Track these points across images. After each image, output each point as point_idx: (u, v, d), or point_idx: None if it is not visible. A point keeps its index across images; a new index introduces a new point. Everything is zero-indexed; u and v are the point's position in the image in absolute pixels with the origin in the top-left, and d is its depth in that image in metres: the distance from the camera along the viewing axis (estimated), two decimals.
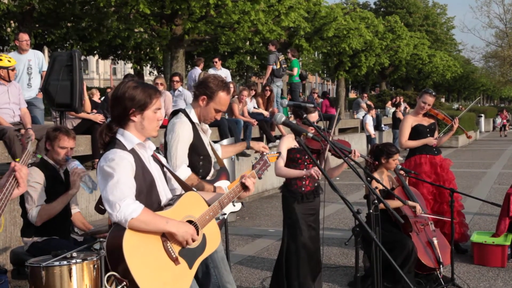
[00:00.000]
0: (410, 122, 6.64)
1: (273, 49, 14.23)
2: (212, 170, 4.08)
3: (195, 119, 3.92)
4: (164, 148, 3.96)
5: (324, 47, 24.92)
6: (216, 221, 3.75)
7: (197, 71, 12.66)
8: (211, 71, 12.45)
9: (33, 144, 7.02)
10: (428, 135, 6.63)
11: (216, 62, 13.30)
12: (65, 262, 3.72)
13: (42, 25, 18.47)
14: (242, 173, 3.39)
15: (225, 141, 9.24)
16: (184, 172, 3.75)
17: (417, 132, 6.61)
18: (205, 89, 3.88)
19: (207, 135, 4.13)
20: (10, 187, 2.37)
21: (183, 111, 3.94)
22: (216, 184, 3.93)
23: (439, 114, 6.84)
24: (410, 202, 5.59)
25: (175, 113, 4.00)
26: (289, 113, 14.72)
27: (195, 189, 3.30)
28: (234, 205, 3.92)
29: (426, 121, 6.67)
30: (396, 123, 19.13)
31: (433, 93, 6.64)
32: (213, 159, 4.10)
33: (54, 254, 3.80)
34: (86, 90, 8.26)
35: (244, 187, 3.29)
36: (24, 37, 8.19)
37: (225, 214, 3.96)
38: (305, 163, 4.99)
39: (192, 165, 3.86)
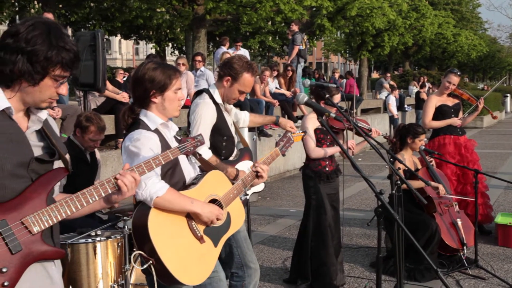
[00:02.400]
0: (434, 102, 6.56)
1: (296, 29, 14.06)
2: (235, 150, 4.08)
3: (219, 99, 3.91)
4: (188, 128, 3.97)
5: (346, 26, 24.61)
6: None
7: (223, 50, 12.47)
8: (231, 52, 12.40)
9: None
10: (453, 116, 6.55)
11: (237, 45, 13.24)
12: (90, 240, 3.79)
13: (65, 5, 18.57)
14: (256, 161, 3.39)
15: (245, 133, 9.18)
16: (205, 154, 3.75)
17: (441, 112, 6.53)
18: (229, 70, 3.86)
19: (231, 114, 4.12)
20: (94, 191, 2.18)
21: (207, 91, 3.94)
22: (239, 164, 3.93)
23: (463, 94, 6.75)
24: (433, 183, 5.55)
25: (198, 93, 4.00)
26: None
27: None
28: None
29: (451, 101, 6.59)
30: (419, 104, 18.91)
31: (458, 73, 6.54)
32: (237, 139, 4.10)
33: (79, 232, 3.87)
34: (110, 70, 8.30)
35: (257, 175, 3.29)
36: (48, 16, 8.25)
37: (247, 194, 3.97)
38: (327, 143, 4.99)
39: (215, 146, 3.87)
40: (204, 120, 3.81)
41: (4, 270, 1.93)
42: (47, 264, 2.15)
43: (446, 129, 6.57)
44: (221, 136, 3.92)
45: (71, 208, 2.09)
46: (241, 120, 4.31)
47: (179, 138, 3.04)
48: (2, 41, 2.02)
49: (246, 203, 3.99)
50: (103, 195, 2.20)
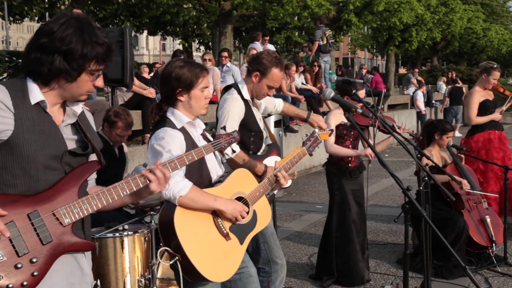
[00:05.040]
0: (478, 97, 6.53)
1: (319, 24, 14.12)
2: (263, 146, 4.07)
3: (247, 95, 3.90)
4: (216, 124, 3.98)
5: (374, 21, 24.43)
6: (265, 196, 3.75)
7: (256, 46, 12.39)
8: (259, 47, 12.38)
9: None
10: (492, 110, 6.55)
11: (265, 40, 13.18)
12: (117, 234, 3.83)
13: (94, 1, 18.77)
14: (277, 164, 3.37)
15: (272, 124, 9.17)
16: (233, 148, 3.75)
17: (484, 107, 6.51)
18: (258, 65, 3.85)
19: (260, 109, 4.10)
20: (126, 185, 2.20)
21: (235, 87, 3.93)
22: (267, 159, 3.91)
23: (499, 87, 6.73)
24: (458, 178, 5.47)
25: (227, 88, 3.99)
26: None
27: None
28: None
29: (490, 96, 6.59)
30: (458, 99, 18.56)
31: (498, 67, 6.57)
32: (265, 135, 4.09)
33: (107, 226, 3.92)
34: (137, 66, 8.33)
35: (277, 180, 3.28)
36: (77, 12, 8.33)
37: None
38: (351, 139, 4.97)
39: (243, 141, 3.85)
40: (232, 115, 3.81)
41: (34, 260, 1.97)
42: (78, 256, 2.20)
43: (490, 124, 6.56)
44: (249, 131, 3.91)
45: (102, 201, 2.13)
46: (271, 106, 4.26)
47: (215, 134, 3.05)
48: (37, 41, 2.06)
49: (272, 198, 3.98)
50: (134, 189, 2.22)
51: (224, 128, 3.11)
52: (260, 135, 4.00)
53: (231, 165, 3.21)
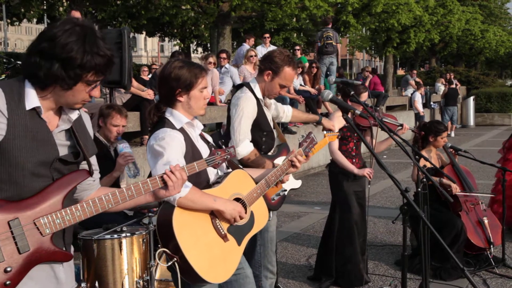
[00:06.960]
0: None
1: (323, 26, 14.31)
2: (274, 146, 4.05)
3: (259, 94, 3.86)
4: (227, 122, 3.94)
5: (372, 23, 24.45)
6: (276, 197, 3.74)
7: (245, 48, 12.45)
8: (259, 49, 12.41)
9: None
10: None
11: (266, 38, 13.20)
12: (115, 236, 3.83)
13: (92, 3, 18.78)
14: (290, 151, 3.38)
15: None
16: (247, 147, 3.71)
17: None
18: (270, 64, 3.82)
19: (270, 109, 4.09)
20: (112, 197, 2.18)
21: (248, 86, 3.90)
22: (276, 160, 3.89)
23: None
24: (445, 181, 5.44)
25: (239, 87, 3.97)
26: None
27: (241, 167, 3.30)
28: (283, 182, 3.89)
29: None
30: (453, 100, 18.55)
31: None
32: (276, 135, 4.07)
33: (105, 228, 3.92)
34: (135, 67, 8.32)
35: (292, 165, 3.29)
36: (76, 14, 8.32)
37: (285, 190, 3.93)
38: (354, 141, 4.97)
39: (255, 141, 3.81)
40: (246, 113, 3.77)
41: (8, 269, 1.93)
42: (55, 265, 2.14)
43: None
44: (261, 131, 3.88)
45: (85, 213, 2.08)
46: (281, 113, 4.25)
47: (213, 147, 3.04)
48: (38, 45, 2.02)
49: (283, 198, 3.95)
50: (120, 202, 2.19)
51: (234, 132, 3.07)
52: (272, 135, 3.96)
53: (230, 167, 3.20)
